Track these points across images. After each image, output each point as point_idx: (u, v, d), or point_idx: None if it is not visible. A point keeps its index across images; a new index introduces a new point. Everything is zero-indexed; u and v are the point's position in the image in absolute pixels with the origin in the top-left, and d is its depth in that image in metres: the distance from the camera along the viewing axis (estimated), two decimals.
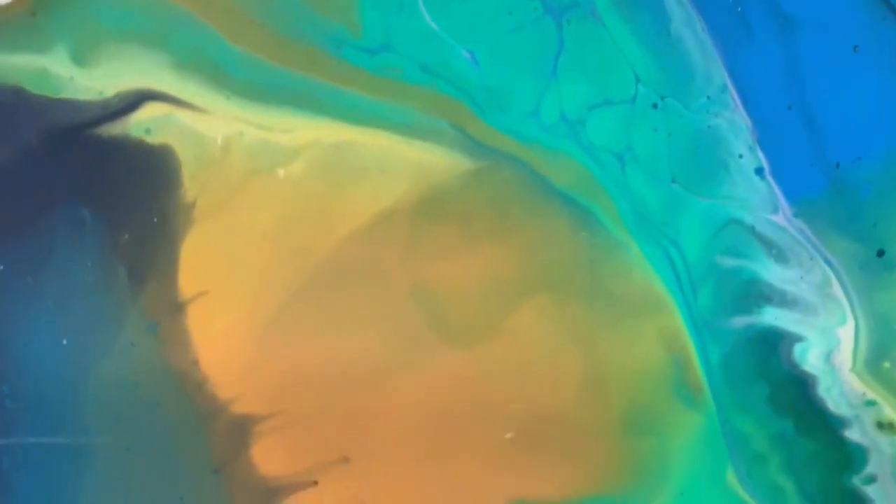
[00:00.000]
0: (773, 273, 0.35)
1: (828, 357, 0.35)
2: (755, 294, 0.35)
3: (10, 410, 0.36)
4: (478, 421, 0.35)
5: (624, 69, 0.35)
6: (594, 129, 0.36)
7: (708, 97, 0.36)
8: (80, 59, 0.35)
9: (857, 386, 0.35)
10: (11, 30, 0.35)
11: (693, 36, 0.35)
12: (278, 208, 0.36)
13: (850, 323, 0.35)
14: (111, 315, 0.36)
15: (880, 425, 0.35)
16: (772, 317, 0.35)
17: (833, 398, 0.35)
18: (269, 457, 0.35)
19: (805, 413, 0.35)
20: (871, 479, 0.35)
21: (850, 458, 0.35)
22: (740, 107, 0.36)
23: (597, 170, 0.36)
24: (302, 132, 0.36)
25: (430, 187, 0.36)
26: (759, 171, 0.36)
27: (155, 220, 0.36)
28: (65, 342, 0.36)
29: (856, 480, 0.35)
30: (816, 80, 0.35)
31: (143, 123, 0.36)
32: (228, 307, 0.36)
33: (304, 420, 0.35)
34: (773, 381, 0.35)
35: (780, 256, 0.35)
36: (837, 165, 0.35)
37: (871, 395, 0.35)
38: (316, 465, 0.35)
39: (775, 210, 0.36)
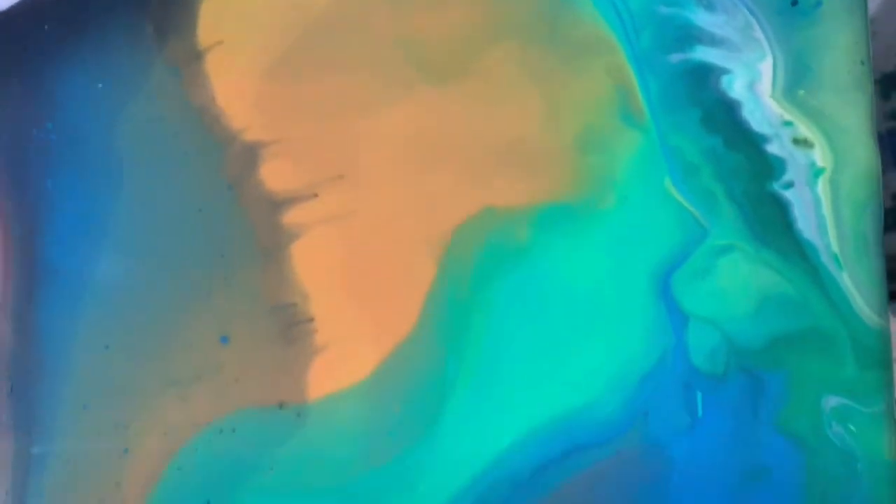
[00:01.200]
0: (703, 18, 0.42)
1: (750, 86, 0.41)
2: (688, 36, 0.41)
3: (54, 143, 0.42)
4: (453, 144, 0.41)
5: None
6: None
7: None
8: None
9: (776, 109, 0.41)
10: None
11: None
12: None
13: (769, 58, 0.41)
14: (140, 64, 0.42)
15: (796, 141, 0.41)
16: (702, 54, 0.41)
17: (756, 119, 0.41)
18: (275, 175, 0.41)
19: (731, 131, 0.41)
20: (789, 185, 0.41)
21: (770, 167, 0.41)
22: None
23: None
24: None
25: None
26: None
27: None
28: (100, 86, 0.42)
29: (776, 186, 0.41)
30: None
31: None
32: (240, 53, 0.42)
33: (304, 144, 0.41)
34: (703, 106, 0.41)
35: (709, 5, 0.42)
36: None
37: (787, 117, 0.41)
38: (315, 181, 0.41)
39: None
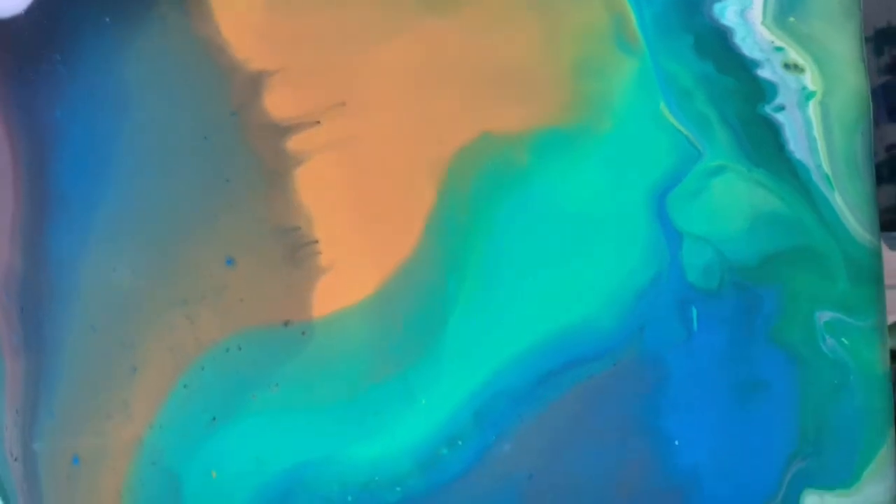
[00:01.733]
0: None
1: (742, 13, 0.42)
2: None
3: (62, 74, 0.43)
4: (452, 71, 0.42)
5: None
6: None
7: None
8: None
9: (767, 36, 0.42)
10: None
11: None
12: None
13: None
14: None
15: (787, 66, 0.42)
16: None
17: (747, 45, 0.42)
18: (279, 103, 0.42)
19: (724, 57, 0.42)
20: (780, 108, 0.42)
21: (762, 91, 0.42)
22: None
23: None
24: None
25: None
26: None
27: None
28: (107, 20, 0.43)
29: (767, 109, 0.42)
30: None
31: None
32: None
33: (307, 73, 0.42)
34: (696, 33, 0.42)
35: None
36: None
37: (778, 43, 0.42)
38: (318, 108, 0.42)
39: None
